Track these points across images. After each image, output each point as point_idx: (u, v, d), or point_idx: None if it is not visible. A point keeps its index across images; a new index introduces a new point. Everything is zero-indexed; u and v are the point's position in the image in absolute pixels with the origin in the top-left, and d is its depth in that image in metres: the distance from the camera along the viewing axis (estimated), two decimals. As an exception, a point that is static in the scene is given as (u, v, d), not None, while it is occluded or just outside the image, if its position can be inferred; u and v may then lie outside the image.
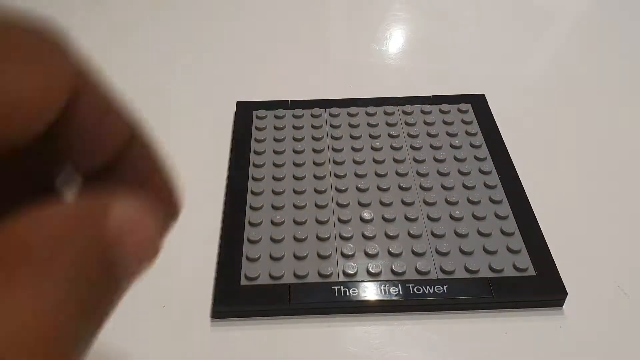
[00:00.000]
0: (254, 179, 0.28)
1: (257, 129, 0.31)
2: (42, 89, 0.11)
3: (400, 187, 0.27)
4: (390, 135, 0.30)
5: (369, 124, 0.31)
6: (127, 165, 0.14)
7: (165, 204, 0.14)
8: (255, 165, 0.29)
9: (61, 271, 0.11)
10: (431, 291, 0.23)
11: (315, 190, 0.27)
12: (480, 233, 0.25)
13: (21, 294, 0.10)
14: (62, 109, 0.12)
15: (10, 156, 0.12)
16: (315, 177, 0.28)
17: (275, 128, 0.31)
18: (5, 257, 0.10)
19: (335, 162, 0.29)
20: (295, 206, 0.26)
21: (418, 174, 0.28)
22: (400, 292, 0.23)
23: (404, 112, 0.32)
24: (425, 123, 0.31)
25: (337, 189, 0.27)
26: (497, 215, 0.26)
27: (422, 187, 0.27)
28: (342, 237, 0.25)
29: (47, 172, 0.14)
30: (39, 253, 0.11)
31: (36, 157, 0.13)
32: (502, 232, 0.25)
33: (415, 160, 0.29)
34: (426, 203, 0.27)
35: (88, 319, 0.11)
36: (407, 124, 0.31)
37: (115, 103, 0.13)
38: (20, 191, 0.13)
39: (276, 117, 0.31)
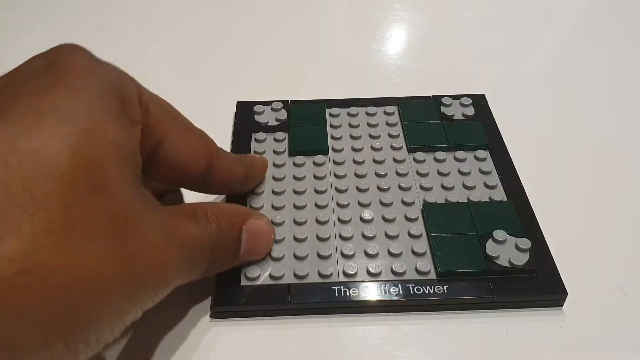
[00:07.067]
0: (254, 179, 0.28)
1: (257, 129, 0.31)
2: (195, 152, 0.22)
3: (400, 187, 0.27)
4: (390, 135, 0.30)
5: (369, 124, 0.31)
6: (217, 169, 0.23)
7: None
8: (255, 166, 0.29)
9: (216, 228, 0.21)
10: (431, 291, 0.23)
11: (315, 191, 0.27)
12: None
13: (196, 227, 0.20)
14: (206, 167, 0.23)
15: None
16: (315, 177, 0.28)
17: (275, 128, 0.31)
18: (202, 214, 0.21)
19: (335, 162, 0.29)
20: (295, 206, 0.26)
21: (418, 174, 0.28)
22: (400, 292, 0.23)
23: (404, 112, 0.32)
24: (425, 123, 0.31)
25: (337, 189, 0.27)
26: (497, 215, 0.26)
27: (422, 187, 0.27)
28: (342, 237, 0.25)
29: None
30: (210, 216, 0.21)
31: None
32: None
33: (415, 161, 0.29)
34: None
35: (200, 264, 0.21)
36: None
37: (235, 161, 0.25)
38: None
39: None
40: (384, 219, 0.26)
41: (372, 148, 0.30)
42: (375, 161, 0.29)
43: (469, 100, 0.32)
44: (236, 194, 0.27)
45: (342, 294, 0.23)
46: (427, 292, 0.23)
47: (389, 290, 0.23)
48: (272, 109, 0.32)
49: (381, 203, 0.27)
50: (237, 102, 0.33)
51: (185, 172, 0.22)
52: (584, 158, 0.31)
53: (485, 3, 0.44)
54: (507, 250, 0.24)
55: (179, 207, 0.21)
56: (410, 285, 0.23)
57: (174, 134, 0.21)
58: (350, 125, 0.31)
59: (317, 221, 0.26)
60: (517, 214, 0.26)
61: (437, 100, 0.32)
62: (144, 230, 0.17)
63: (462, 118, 0.31)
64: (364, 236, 0.25)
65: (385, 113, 0.32)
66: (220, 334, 0.23)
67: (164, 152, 0.21)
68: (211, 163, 0.23)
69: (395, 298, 0.23)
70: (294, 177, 0.28)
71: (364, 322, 0.23)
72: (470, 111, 0.31)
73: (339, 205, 0.27)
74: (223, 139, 0.31)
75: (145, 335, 0.23)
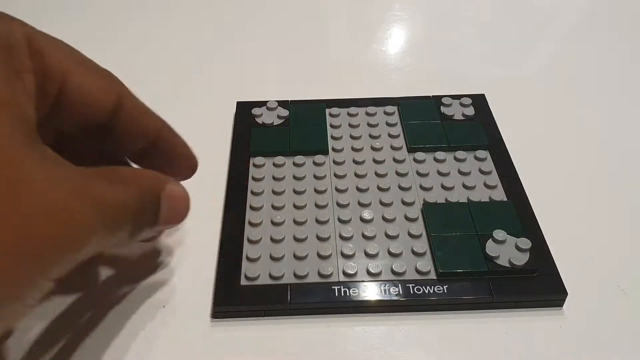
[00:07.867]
0: (254, 179, 0.28)
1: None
2: (101, 89, 0.20)
3: (400, 187, 0.27)
4: (390, 135, 0.30)
5: (369, 124, 0.31)
6: (160, 149, 0.22)
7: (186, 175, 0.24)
8: (255, 166, 0.29)
9: (137, 191, 0.19)
10: (431, 291, 0.23)
11: (315, 190, 0.27)
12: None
13: (118, 189, 0.19)
14: (114, 106, 0.20)
15: (88, 134, 0.21)
16: (315, 177, 0.28)
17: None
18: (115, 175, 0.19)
19: (335, 162, 0.29)
20: (295, 206, 0.26)
21: (418, 174, 0.28)
22: (400, 292, 0.23)
23: (404, 112, 0.32)
24: (425, 123, 0.31)
25: (337, 189, 0.27)
26: (497, 215, 0.26)
27: (422, 187, 0.27)
28: (342, 237, 0.25)
29: (115, 152, 0.23)
30: (130, 179, 0.20)
31: (107, 141, 0.22)
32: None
33: (415, 161, 0.29)
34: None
35: (124, 227, 0.19)
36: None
37: (147, 108, 0.22)
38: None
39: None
40: (384, 218, 0.26)
41: (372, 148, 0.30)
42: (375, 161, 0.29)
43: (469, 100, 0.32)
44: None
45: (342, 294, 0.23)
46: (427, 292, 0.23)
47: (389, 290, 0.23)
48: (273, 109, 0.32)
49: (381, 203, 0.27)
50: (237, 102, 0.33)
51: (92, 111, 0.20)
52: (584, 158, 0.31)
53: (485, 3, 0.44)
54: (507, 250, 0.24)
55: (95, 168, 0.19)
56: (410, 285, 0.23)
57: (75, 74, 0.20)
58: (350, 125, 0.31)
59: (317, 221, 0.26)
60: (517, 214, 0.26)
61: (437, 100, 0.32)
62: (45, 189, 0.16)
63: (462, 118, 0.31)
64: (364, 236, 0.25)
65: (385, 113, 0.32)
66: (220, 334, 0.23)
67: (68, 93, 0.20)
68: (121, 102, 0.21)
69: (395, 298, 0.23)
70: (294, 177, 0.28)
71: (364, 322, 0.23)
72: (470, 111, 0.31)
73: (339, 205, 0.27)
74: (223, 139, 0.31)
75: (145, 335, 0.23)
